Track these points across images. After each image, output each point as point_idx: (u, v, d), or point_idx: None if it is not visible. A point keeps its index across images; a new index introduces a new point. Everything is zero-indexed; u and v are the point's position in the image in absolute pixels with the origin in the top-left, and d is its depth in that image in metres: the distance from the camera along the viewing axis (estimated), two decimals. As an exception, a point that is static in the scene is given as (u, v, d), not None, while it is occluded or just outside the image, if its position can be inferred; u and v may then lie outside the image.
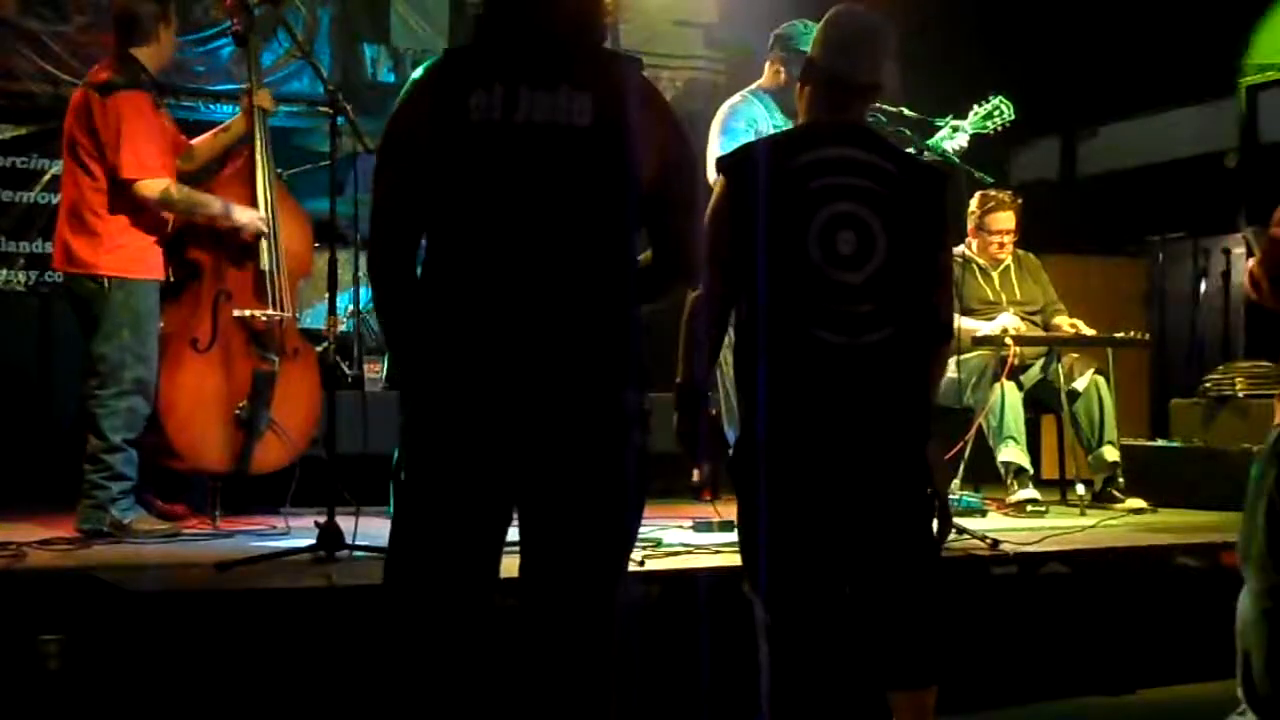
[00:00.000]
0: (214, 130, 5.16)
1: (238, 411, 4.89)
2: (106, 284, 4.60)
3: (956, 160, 4.87)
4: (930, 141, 4.83)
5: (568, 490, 2.45)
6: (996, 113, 5.05)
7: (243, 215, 4.89)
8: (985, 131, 5.04)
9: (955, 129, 4.91)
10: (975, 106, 5.07)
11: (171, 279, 4.86)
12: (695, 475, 2.87)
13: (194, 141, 5.06)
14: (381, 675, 2.52)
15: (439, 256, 2.48)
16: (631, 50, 7.83)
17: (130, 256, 4.66)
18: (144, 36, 4.76)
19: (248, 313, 4.93)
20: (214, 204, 4.83)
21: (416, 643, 2.48)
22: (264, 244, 4.97)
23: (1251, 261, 3.20)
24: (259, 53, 5.22)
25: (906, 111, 4.77)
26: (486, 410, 2.41)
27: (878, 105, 3.91)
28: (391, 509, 2.53)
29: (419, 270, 2.52)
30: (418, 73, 2.54)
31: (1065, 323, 6.14)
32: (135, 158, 4.59)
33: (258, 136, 4.98)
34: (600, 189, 2.45)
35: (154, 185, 4.64)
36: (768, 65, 4.96)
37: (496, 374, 2.41)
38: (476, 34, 2.57)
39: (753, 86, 4.96)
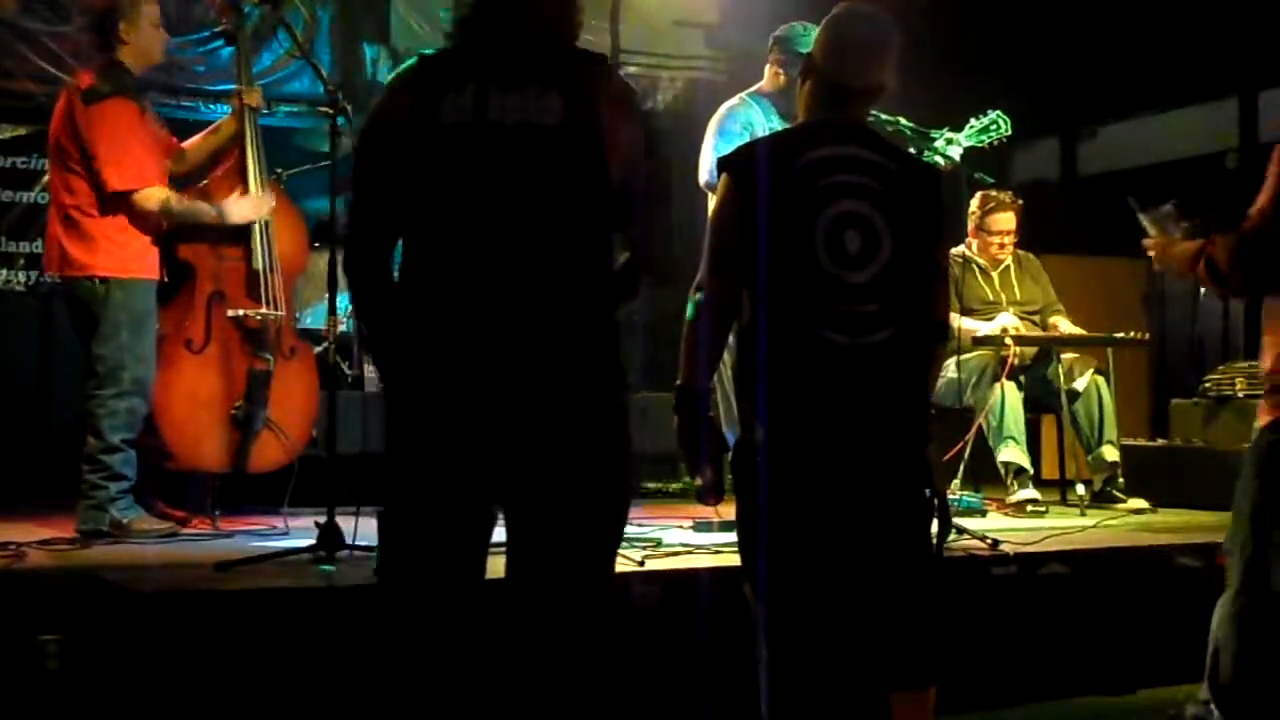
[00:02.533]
0: (204, 132, 5.15)
1: (234, 411, 4.89)
2: (104, 285, 4.60)
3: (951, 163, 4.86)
4: (925, 155, 4.82)
5: (550, 490, 2.46)
6: (994, 127, 5.05)
7: (238, 213, 4.88)
8: (980, 145, 5.04)
9: (950, 141, 4.90)
10: (972, 120, 5.07)
11: (165, 280, 4.86)
12: (698, 480, 2.86)
13: (185, 144, 5.06)
14: (374, 675, 2.52)
15: (415, 259, 2.50)
16: (632, 50, 7.93)
17: (127, 256, 4.65)
18: (115, 37, 4.71)
19: (241, 312, 4.93)
20: (211, 211, 4.83)
21: (405, 642, 2.50)
22: (256, 243, 4.97)
23: (1181, 245, 3.23)
24: (250, 52, 5.21)
25: (904, 122, 4.77)
26: (466, 411, 2.43)
27: (874, 112, 3.91)
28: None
29: (396, 272, 2.54)
30: (392, 76, 2.57)
31: (1064, 325, 6.14)
32: (125, 169, 4.58)
33: (248, 135, 4.97)
34: (573, 188, 2.46)
35: (153, 196, 4.64)
36: (767, 68, 4.95)
37: (475, 375, 2.42)
38: (451, 38, 2.59)
39: (751, 89, 4.96)
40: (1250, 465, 3.14)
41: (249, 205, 4.92)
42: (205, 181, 5.03)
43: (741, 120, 4.83)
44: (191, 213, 4.78)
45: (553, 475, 2.45)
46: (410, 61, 2.57)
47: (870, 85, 2.94)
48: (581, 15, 2.59)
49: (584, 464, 2.45)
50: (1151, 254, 3.42)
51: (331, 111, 4.45)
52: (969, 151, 5.01)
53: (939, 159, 4.79)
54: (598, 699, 2.51)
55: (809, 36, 4.24)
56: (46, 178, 6.32)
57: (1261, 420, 3.16)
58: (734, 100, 4.94)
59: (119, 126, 4.60)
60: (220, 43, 5.11)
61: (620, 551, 4.10)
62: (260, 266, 4.97)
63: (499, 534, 2.54)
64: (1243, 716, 3.12)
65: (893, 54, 2.95)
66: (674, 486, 6.51)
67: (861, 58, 2.93)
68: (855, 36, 2.94)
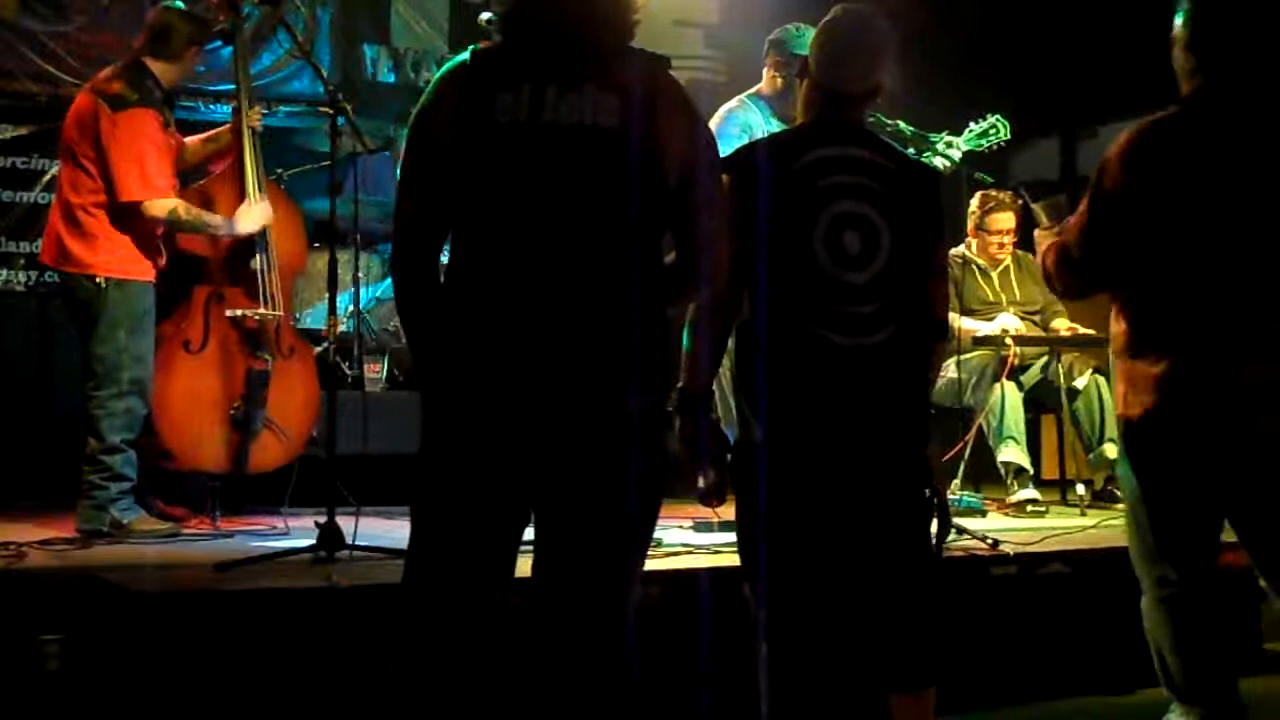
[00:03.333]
0: (203, 136, 5.16)
1: (232, 411, 4.89)
2: (104, 284, 4.61)
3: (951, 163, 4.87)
4: (924, 157, 4.82)
5: (583, 492, 2.44)
6: (993, 131, 5.05)
7: (244, 225, 4.89)
8: (979, 149, 5.03)
9: (949, 144, 4.90)
10: (971, 124, 5.07)
11: (164, 281, 4.87)
12: (700, 481, 2.86)
13: (187, 140, 5.08)
14: (394, 673, 2.51)
15: (463, 258, 2.46)
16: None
17: (127, 257, 4.66)
18: (170, 53, 4.76)
19: (239, 312, 4.93)
20: (217, 221, 4.84)
21: (430, 640, 2.47)
22: (255, 244, 4.97)
23: (1044, 244, 3.35)
24: (249, 53, 5.22)
25: (903, 125, 4.77)
26: (505, 411, 2.40)
27: (875, 114, 3.91)
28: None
29: (443, 271, 2.51)
30: (441, 71, 2.51)
31: (1064, 326, 6.14)
32: (141, 181, 4.60)
33: (247, 149, 4.97)
34: (626, 191, 2.42)
35: (162, 206, 4.65)
36: (765, 71, 4.96)
37: (516, 376, 2.40)
38: (501, 34, 2.54)
39: (750, 92, 4.96)
40: (1123, 462, 3.27)
41: (256, 215, 4.93)
42: (203, 181, 5.04)
43: (739, 122, 4.83)
44: (199, 223, 4.79)
45: (586, 476, 2.43)
46: (461, 56, 2.51)
47: (866, 88, 2.95)
48: (637, 14, 2.53)
49: (620, 466, 2.43)
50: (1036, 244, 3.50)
51: (331, 111, 4.46)
52: (969, 153, 5.01)
53: (939, 161, 4.80)
54: (621, 699, 2.49)
55: (804, 38, 4.25)
56: (47, 177, 6.38)
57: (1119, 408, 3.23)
58: (732, 102, 4.95)
59: (140, 137, 4.60)
60: (220, 43, 5.10)
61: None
62: (258, 266, 4.97)
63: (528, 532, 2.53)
64: (1205, 700, 3.17)
65: (888, 56, 2.95)
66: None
67: (856, 62, 2.93)
68: (850, 40, 2.94)
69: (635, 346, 2.44)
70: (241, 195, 4.94)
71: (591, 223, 2.41)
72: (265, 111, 5.13)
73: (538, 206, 2.41)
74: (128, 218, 4.64)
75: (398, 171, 2.62)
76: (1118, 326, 3.19)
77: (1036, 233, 3.48)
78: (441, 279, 2.51)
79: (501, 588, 2.49)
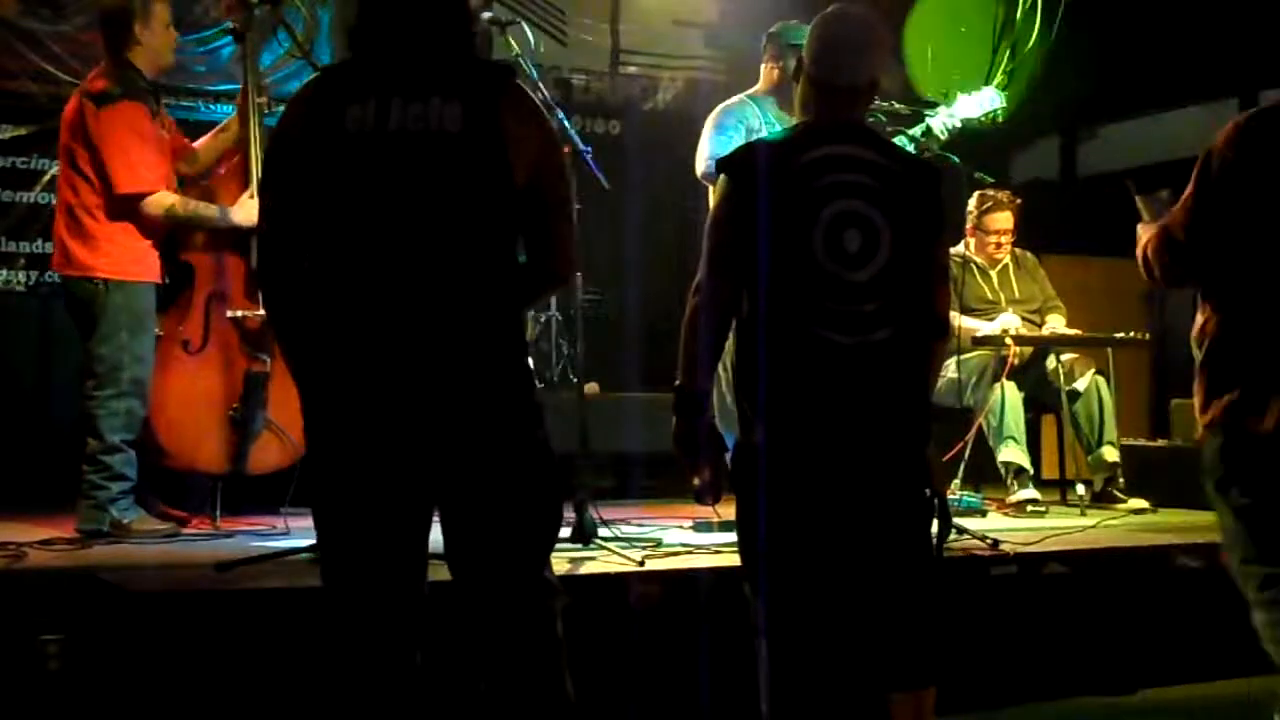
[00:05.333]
0: (213, 132, 5.16)
1: (231, 412, 4.89)
2: (104, 286, 4.61)
3: (941, 139, 4.83)
4: (918, 129, 4.80)
5: (472, 489, 2.54)
6: (989, 100, 5.01)
7: (239, 215, 4.88)
8: (975, 122, 4.98)
9: (951, 119, 4.86)
10: (961, 95, 5.03)
11: (166, 282, 4.86)
12: (696, 481, 2.86)
13: (197, 144, 5.07)
14: (318, 677, 2.57)
15: (323, 264, 2.55)
16: (631, 50, 7.93)
17: (127, 258, 4.66)
18: (127, 39, 4.72)
19: (240, 313, 4.93)
20: (213, 213, 4.83)
21: (349, 645, 2.56)
22: (255, 243, 4.96)
23: (1145, 235, 3.24)
24: (258, 51, 5.21)
25: (897, 105, 4.76)
26: (379, 415, 2.50)
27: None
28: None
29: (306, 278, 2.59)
30: (297, 89, 2.67)
31: (1059, 324, 6.14)
32: (133, 172, 4.60)
33: (253, 136, 4.97)
34: (473, 192, 2.53)
35: (158, 201, 4.65)
36: (762, 69, 4.96)
37: (386, 379, 2.49)
38: (350, 48, 2.64)
39: (750, 91, 4.96)
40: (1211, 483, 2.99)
41: (252, 209, 4.92)
42: (208, 180, 5.03)
43: (737, 116, 4.83)
44: (196, 216, 4.79)
45: (467, 475, 2.52)
46: (313, 74, 2.70)
47: (860, 84, 2.94)
48: (476, 24, 2.68)
49: (497, 461, 2.53)
50: None
51: (331, 111, 4.44)
52: (968, 150, 4.99)
53: (931, 123, 4.77)
54: (561, 681, 2.58)
55: (801, 31, 4.24)
56: (47, 177, 6.38)
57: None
58: (732, 100, 4.95)
59: (129, 129, 4.61)
60: (220, 43, 5.11)
61: (620, 551, 4.15)
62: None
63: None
64: None
65: (880, 51, 2.95)
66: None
67: (848, 57, 2.93)
68: (841, 37, 2.94)
69: (494, 344, 2.54)
70: (243, 189, 4.93)
71: (441, 225, 2.51)
72: (267, 113, 5.11)
73: (388, 211, 2.51)
74: (127, 218, 4.63)
75: None
76: (1207, 319, 3.10)
77: (1140, 226, 3.41)
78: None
79: (410, 590, 2.58)
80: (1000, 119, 5.02)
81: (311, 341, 2.56)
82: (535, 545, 2.63)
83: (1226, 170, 2.97)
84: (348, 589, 2.57)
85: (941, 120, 4.83)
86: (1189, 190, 3.07)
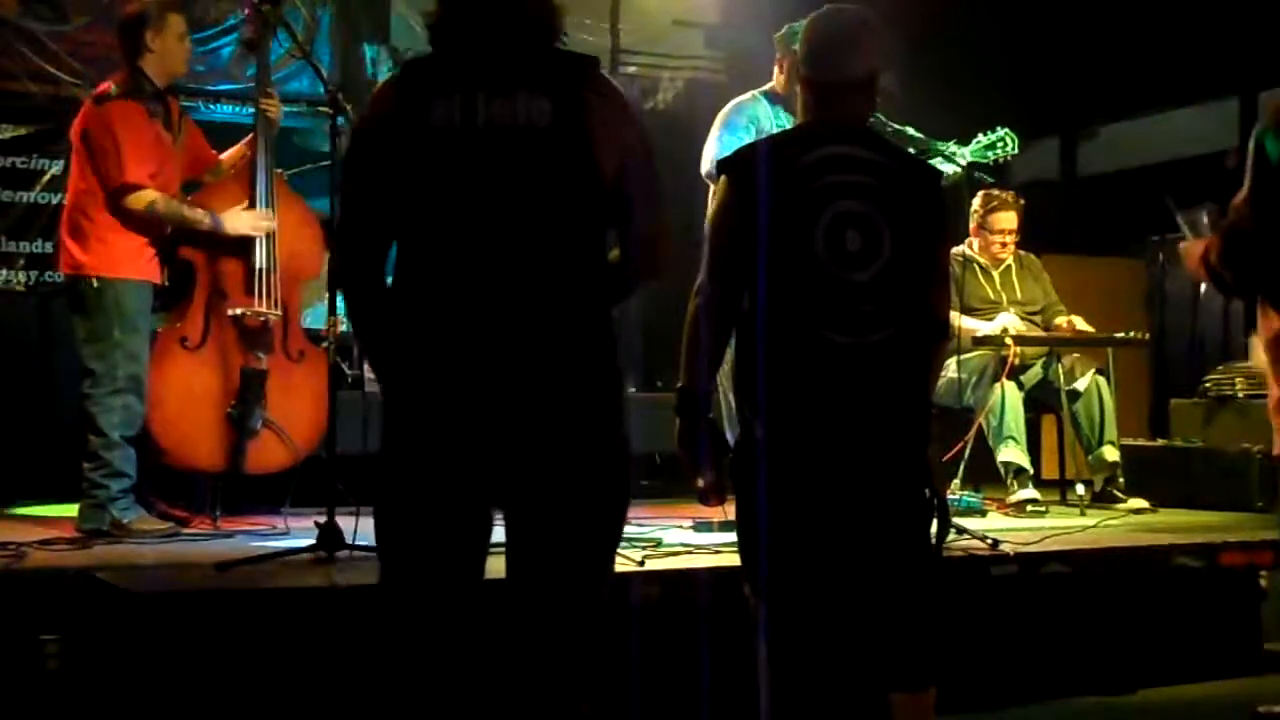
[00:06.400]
0: (238, 145, 5.16)
1: (230, 411, 4.89)
2: (96, 284, 4.64)
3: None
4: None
5: (548, 491, 2.46)
6: (1000, 144, 5.04)
7: (237, 224, 4.88)
8: (985, 161, 5.02)
9: (953, 155, 4.89)
10: (980, 135, 5.06)
11: (166, 282, 4.87)
12: (699, 482, 2.86)
13: (223, 156, 5.10)
14: (374, 676, 2.53)
15: (409, 263, 2.50)
16: (631, 50, 7.93)
17: (119, 257, 4.68)
18: (140, 46, 4.76)
19: (240, 311, 4.93)
20: (204, 219, 4.83)
21: (406, 645, 2.51)
22: (257, 242, 4.96)
23: (1196, 251, 3.20)
24: (269, 62, 5.23)
25: (911, 130, 4.77)
26: (463, 414, 2.43)
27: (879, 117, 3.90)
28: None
29: (390, 278, 2.54)
30: (379, 84, 2.59)
31: (1064, 322, 6.14)
32: (118, 167, 4.63)
33: (261, 148, 4.98)
34: (563, 187, 2.46)
35: (140, 198, 4.66)
36: (775, 68, 4.96)
37: (471, 377, 2.43)
38: (432, 43, 2.59)
39: (764, 88, 4.96)
40: None
41: (248, 220, 4.93)
42: (215, 183, 5.04)
43: (749, 114, 4.83)
44: (180, 216, 4.80)
45: (550, 476, 2.45)
46: (395, 70, 2.59)
47: (848, 78, 2.92)
48: (562, 16, 2.58)
49: (581, 464, 2.45)
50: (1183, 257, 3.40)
51: (331, 111, 4.45)
52: (974, 164, 5.00)
53: (942, 162, 4.79)
54: (581, 700, 2.52)
55: (803, 35, 4.25)
56: (47, 177, 6.40)
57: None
58: (745, 96, 4.95)
59: (121, 125, 4.64)
60: (220, 43, 5.12)
61: (620, 551, 4.14)
62: (261, 265, 4.97)
63: (499, 534, 2.55)
64: None
65: (867, 45, 2.93)
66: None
67: (832, 52, 2.92)
68: (831, 32, 2.94)
69: (582, 343, 2.47)
70: (245, 198, 4.94)
71: (529, 222, 2.45)
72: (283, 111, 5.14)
73: (476, 208, 2.45)
74: (118, 215, 4.66)
75: None
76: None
77: (1181, 245, 3.39)
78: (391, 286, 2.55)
79: (470, 592, 2.52)
80: (1011, 155, 5.05)
81: (395, 342, 2.49)
82: (595, 550, 2.54)
83: None
84: (412, 586, 2.50)
85: (951, 162, 4.85)
86: (1248, 181, 3.02)
